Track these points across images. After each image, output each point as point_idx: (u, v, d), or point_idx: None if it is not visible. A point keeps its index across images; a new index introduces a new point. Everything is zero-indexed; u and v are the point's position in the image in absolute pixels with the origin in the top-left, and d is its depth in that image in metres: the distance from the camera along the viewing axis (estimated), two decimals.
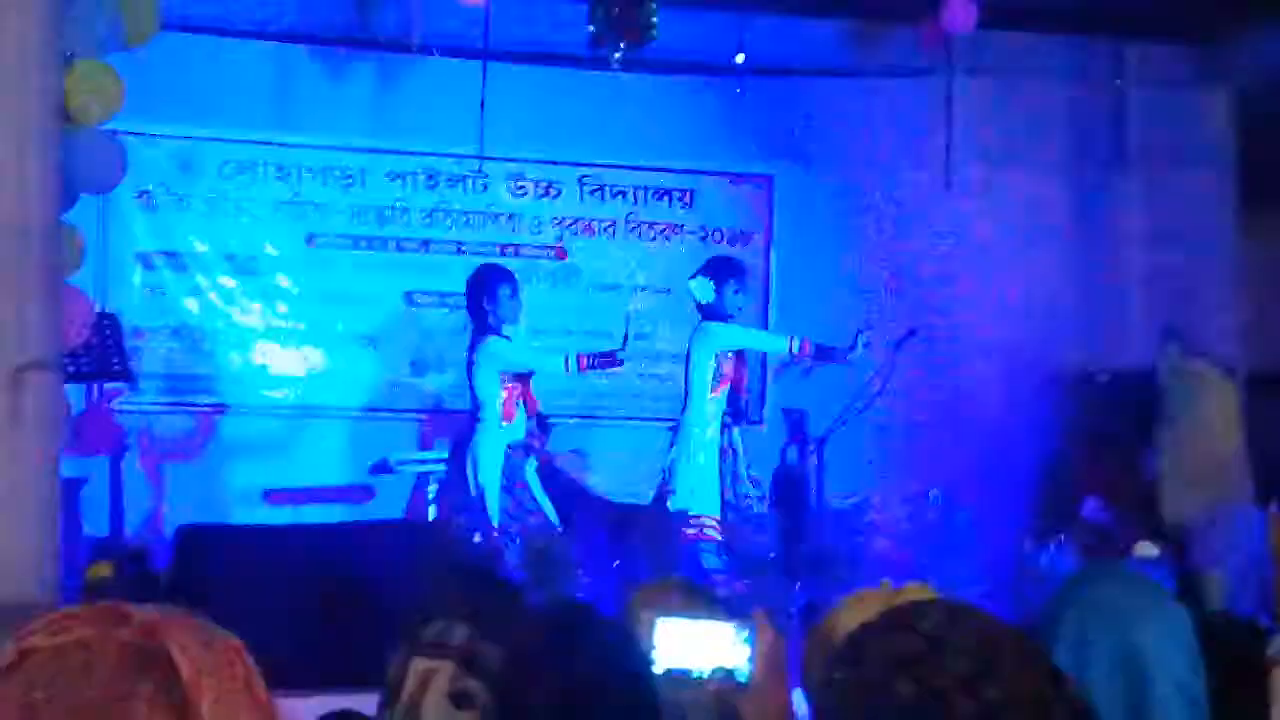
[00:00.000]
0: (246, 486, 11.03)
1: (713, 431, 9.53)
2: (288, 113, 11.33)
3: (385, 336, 11.62)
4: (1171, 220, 12.51)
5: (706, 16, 11.67)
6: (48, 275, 6.69)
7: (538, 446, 9.62)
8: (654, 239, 12.21)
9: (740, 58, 11.39)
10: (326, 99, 11.40)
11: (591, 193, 12.11)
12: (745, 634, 3.16)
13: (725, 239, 12.26)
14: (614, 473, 10.41)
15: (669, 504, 9.39)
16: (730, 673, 3.14)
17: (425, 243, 11.74)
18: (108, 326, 8.68)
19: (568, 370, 9.42)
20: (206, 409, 11.17)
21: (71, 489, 8.15)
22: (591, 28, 10.62)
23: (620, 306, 11.10)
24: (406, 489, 10.94)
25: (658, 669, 3.11)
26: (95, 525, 9.20)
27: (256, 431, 11.25)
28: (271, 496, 11.02)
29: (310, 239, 11.51)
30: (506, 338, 9.49)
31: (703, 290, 9.68)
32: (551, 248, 12.03)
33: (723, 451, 9.57)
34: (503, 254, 11.70)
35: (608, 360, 9.51)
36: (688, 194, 12.28)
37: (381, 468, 10.88)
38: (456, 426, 10.45)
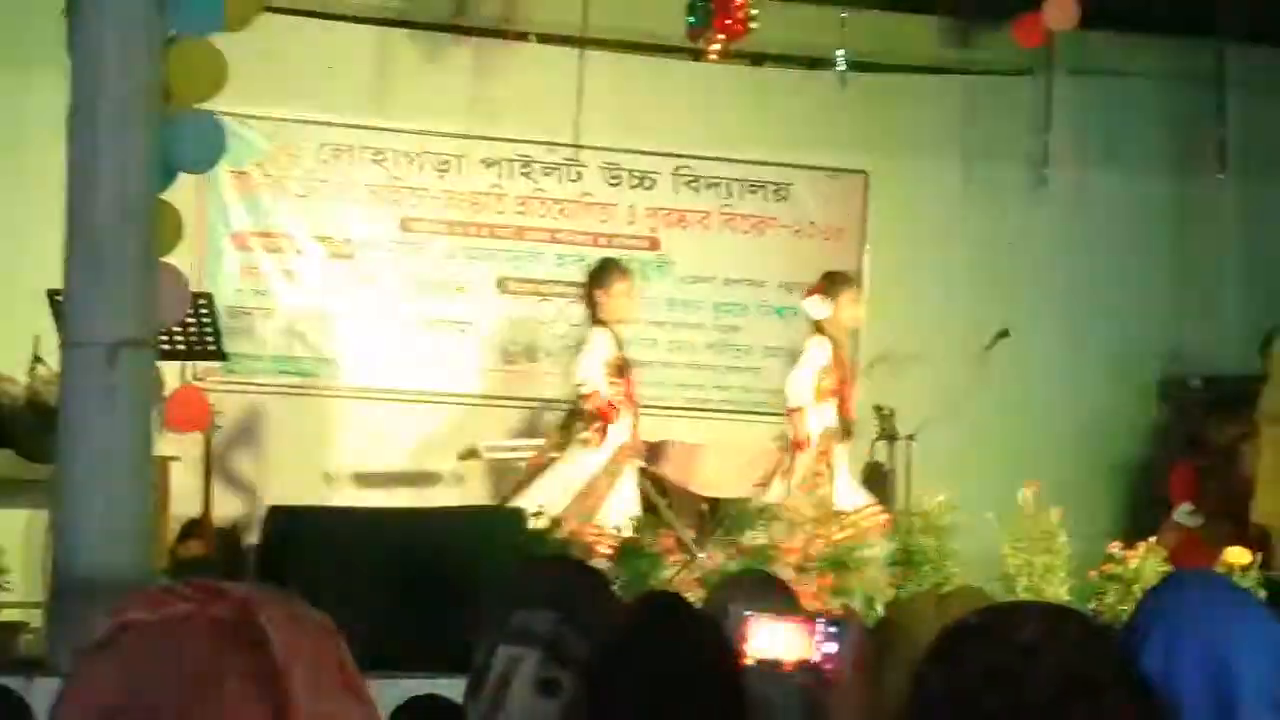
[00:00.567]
0: (337, 469, 11.08)
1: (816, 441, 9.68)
2: (385, 97, 11.36)
3: (477, 323, 11.63)
4: (1270, 223, 12.38)
5: (806, 10, 11.64)
6: (145, 253, 6.75)
7: (636, 440, 9.73)
8: (747, 232, 12.17)
9: (840, 52, 11.33)
10: (424, 84, 11.43)
11: (686, 184, 12.08)
12: (834, 629, 3.15)
13: (819, 234, 12.21)
14: (708, 465, 10.37)
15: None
16: (818, 668, 3.13)
17: (519, 230, 11.75)
18: (203, 306, 8.74)
19: None
20: (298, 391, 11.22)
21: (163, 467, 8.20)
22: (691, 19, 10.62)
23: (712, 298, 11.12)
24: (495, 477, 10.96)
25: (745, 662, 3.10)
26: (187, 504, 9.26)
27: (347, 414, 11.29)
28: (361, 480, 11.07)
29: (405, 224, 11.54)
30: (616, 331, 9.60)
31: (817, 308, 9.82)
32: (645, 238, 12.01)
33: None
34: (596, 244, 11.71)
35: None
36: (783, 188, 12.24)
37: (471, 454, 10.89)
38: (549, 416, 10.51)
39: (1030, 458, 10.71)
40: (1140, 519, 10.91)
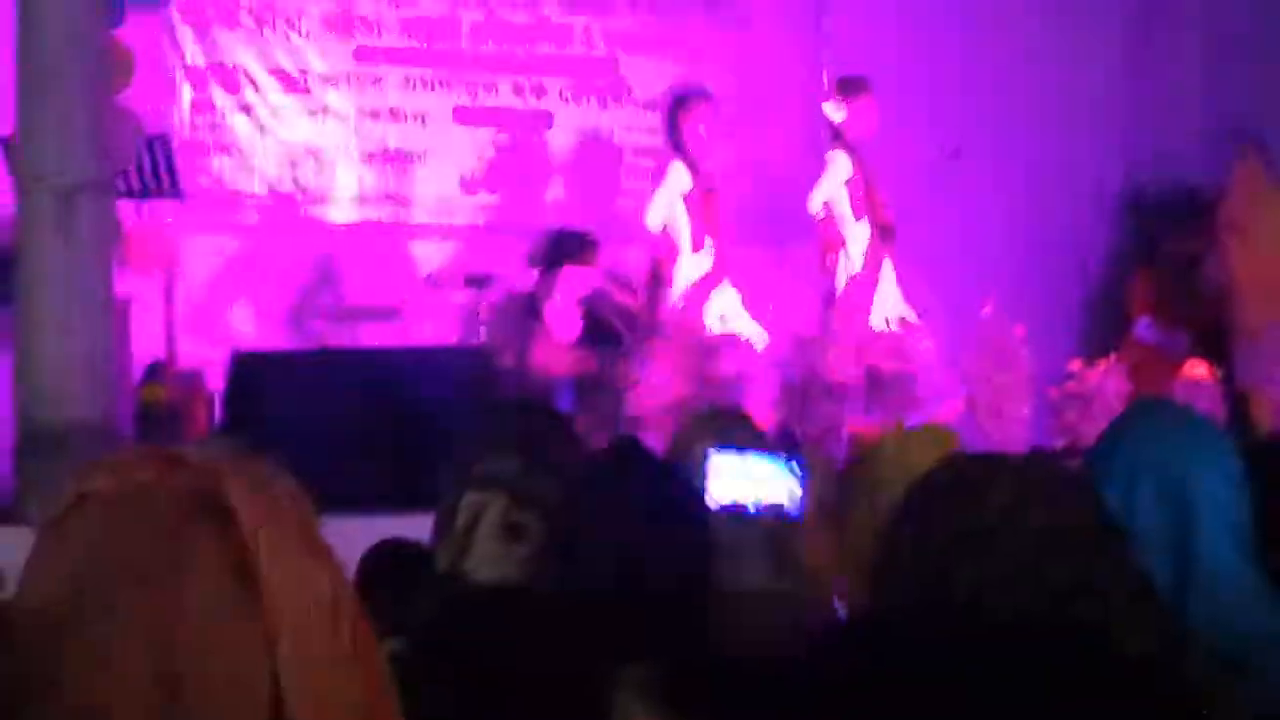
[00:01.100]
0: (299, 305, 11.04)
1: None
2: None
3: (435, 154, 11.56)
4: (1231, 17, 12.22)
5: None
6: (96, 94, 6.69)
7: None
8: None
9: None
10: None
11: (641, 7, 11.95)
12: (797, 467, 3.17)
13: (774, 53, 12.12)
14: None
15: None
16: (782, 507, 3.15)
17: (476, 59, 11.64)
18: (158, 145, 8.67)
19: None
20: (259, 228, 11.16)
21: (123, 309, 8.16)
22: None
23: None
24: (457, 311, 10.94)
25: (711, 503, 3.13)
26: (149, 346, 9.23)
27: (307, 250, 11.24)
28: (323, 315, 11.04)
29: (360, 55, 11.43)
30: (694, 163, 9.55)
31: (835, 110, 9.76)
32: (604, 62, 11.89)
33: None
34: (555, 70, 11.65)
35: None
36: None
37: (431, 283, 10.88)
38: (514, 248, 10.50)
39: (990, 275, 10.71)
40: (1101, 334, 10.95)
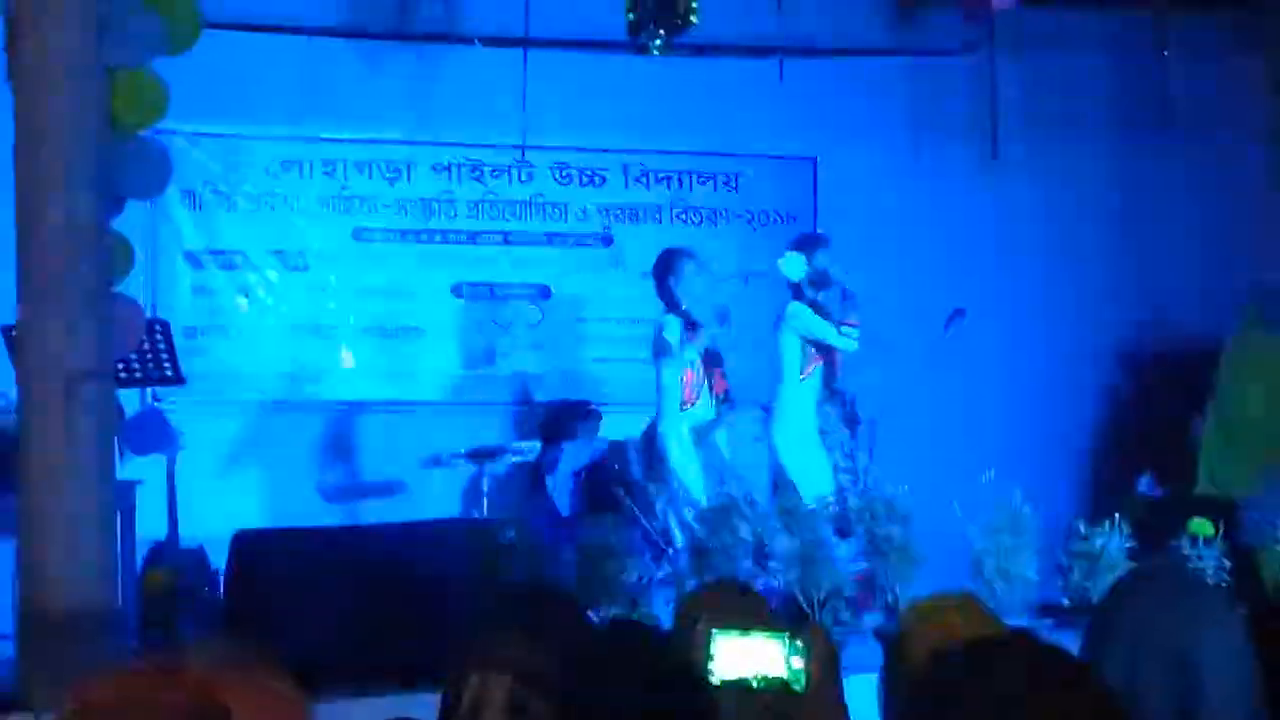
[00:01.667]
0: (301, 483, 11.06)
1: (808, 415, 9.62)
2: (330, 107, 11.33)
3: (434, 330, 11.63)
4: (1219, 184, 12.39)
5: None
6: (97, 284, 6.74)
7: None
8: (700, 223, 12.20)
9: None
10: (368, 92, 11.40)
11: (636, 179, 12.10)
12: (800, 645, 3.17)
13: (771, 221, 12.24)
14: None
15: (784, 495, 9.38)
16: (785, 683, 3.15)
17: (472, 235, 11.75)
18: (159, 331, 8.73)
19: None
20: (259, 407, 11.20)
21: (126, 492, 8.17)
22: (631, 15, 10.59)
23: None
24: (460, 484, 10.96)
25: (714, 680, 3.12)
26: (152, 527, 9.23)
27: (309, 428, 11.27)
28: (326, 493, 11.05)
29: (357, 234, 11.53)
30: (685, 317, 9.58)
31: (793, 267, 9.74)
32: (598, 235, 12.02)
33: (822, 433, 9.66)
34: (550, 243, 11.74)
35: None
36: (732, 178, 12.27)
37: (435, 462, 10.90)
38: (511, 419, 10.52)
39: (991, 437, 10.74)
40: (1105, 493, 10.94)
